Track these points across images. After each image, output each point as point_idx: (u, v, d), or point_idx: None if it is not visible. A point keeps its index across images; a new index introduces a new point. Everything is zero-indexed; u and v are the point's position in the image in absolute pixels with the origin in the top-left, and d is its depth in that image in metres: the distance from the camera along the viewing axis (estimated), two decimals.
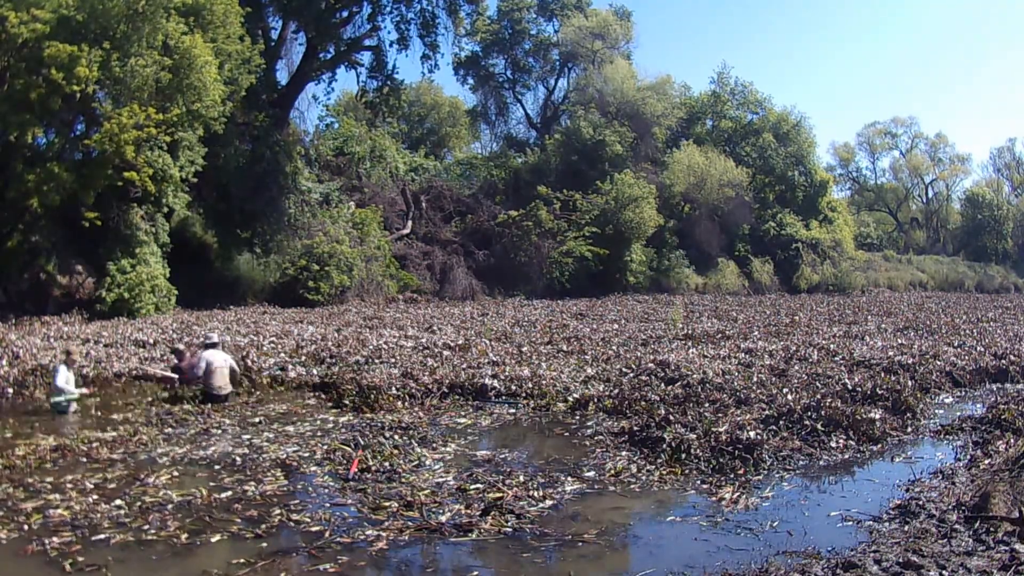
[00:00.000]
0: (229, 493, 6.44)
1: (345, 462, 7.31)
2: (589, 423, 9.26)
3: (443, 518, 5.82)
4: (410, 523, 5.72)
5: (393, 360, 13.00)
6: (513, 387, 10.84)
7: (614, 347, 15.11)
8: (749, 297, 38.46)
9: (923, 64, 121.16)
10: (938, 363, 12.73)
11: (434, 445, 8.07)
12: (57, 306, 18.95)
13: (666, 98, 44.53)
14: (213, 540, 5.43)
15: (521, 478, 6.84)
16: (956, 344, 15.54)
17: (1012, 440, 7.94)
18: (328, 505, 6.21)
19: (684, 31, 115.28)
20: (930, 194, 69.42)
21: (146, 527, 5.61)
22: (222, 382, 10.36)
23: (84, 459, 7.45)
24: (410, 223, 33.88)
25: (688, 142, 44.67)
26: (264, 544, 5.37)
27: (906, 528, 5.65)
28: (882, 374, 11.20)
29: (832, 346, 14.53)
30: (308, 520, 5.81)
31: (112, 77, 17.50)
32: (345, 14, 29.29)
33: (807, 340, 15.80)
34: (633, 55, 47.89)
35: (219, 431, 8.73)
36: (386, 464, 7.21)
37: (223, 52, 20.09)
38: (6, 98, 16.58)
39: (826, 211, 50.69)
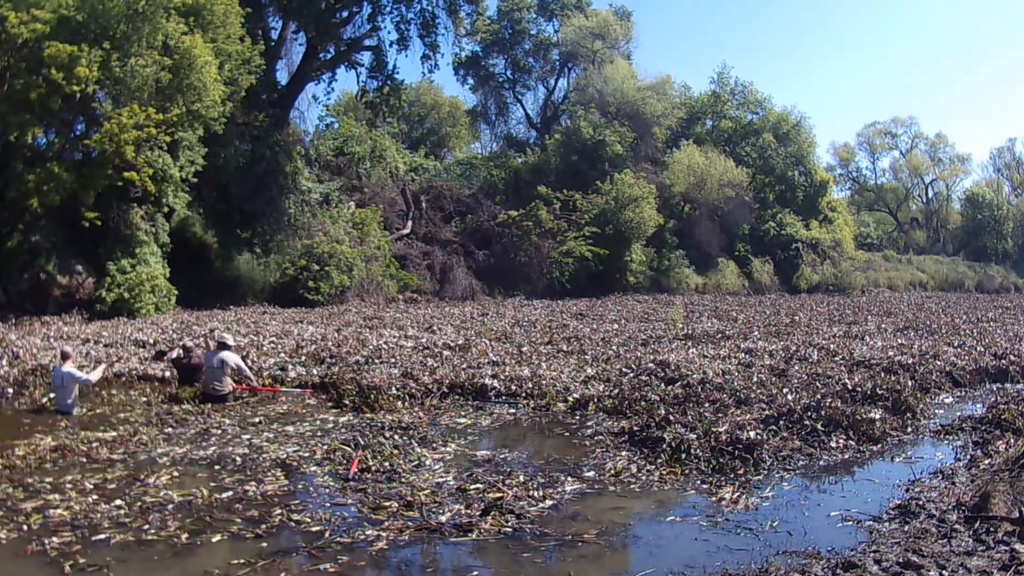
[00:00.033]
0: (229, 493, 6.44)
1: (345, 462, 7.32)
2: (589, 423, 9.26)
3: (443, 518, 5.82)
4: (410, 523, 5.72)
5: (393, 360, 13.00)
6: (513, 387, 10.84)
7: (614, 347, 15.11)
8: (749, 297, 38.46)
9: (923, 64, 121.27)
10: (938, 363, 12.74)
11: (434, 445, 8.07)
12: (57, 306, 18.94)
13: (666, 98, 44.53)
14: (213, 540, 5.43)
15: (521, 478, 6.85)
16: (956, 344, 15.54)
17: (1012, 440, 7.94)
18: (328, 505, 6.21)
19: (684, 31, 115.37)
20: (930, 194, 69.46)
21: (146, 527, 5.61)
22: (212, 383, 10.33)
23: (84, 459, 7.45)
24: (410, 223, 33.87)
25: (688, 142, 44.67)
26: (264, 544, 5.38)
27: (906, 528, 5.65)
28: (882, 374, 11.21)
29: (832, 346, 14.53)
30: (308, 520, 5.82)
31: (112, 77, 17.49)
32: (345, 14, 29.28)
33: (807, 340, 15.80)
34: (633, 55, 47.96)
35: (219, 431, 8.73)
36: (386, 464, 7.21)
37: (223, 52, 20.08)
38: (6, 98, 16.57)
39: (826, 211, 50.69)
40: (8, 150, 17.46)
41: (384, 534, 5.52)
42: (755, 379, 10.77)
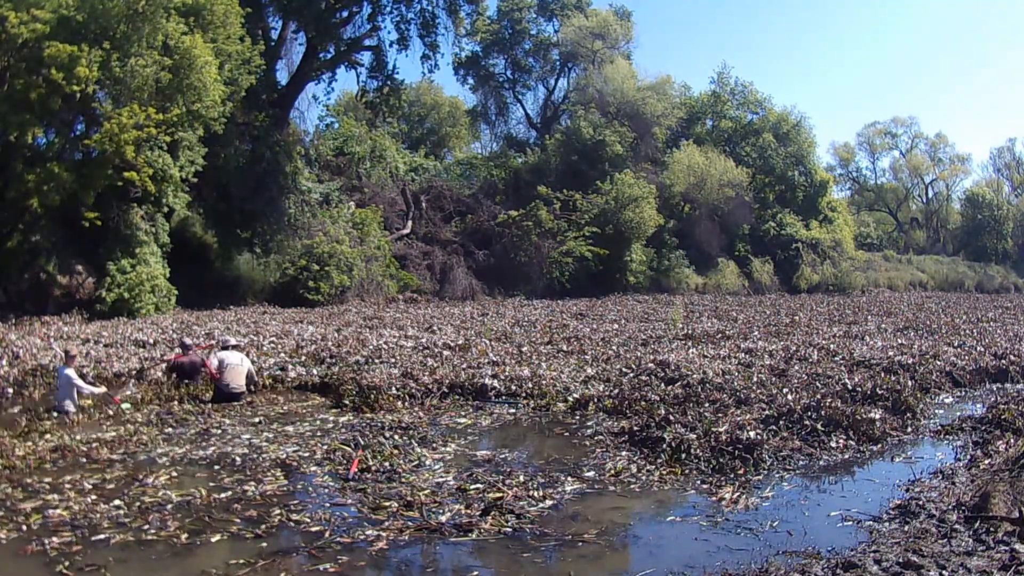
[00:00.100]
0: (229, 493, 6.44)
1: (345, 462, 7.31)
2: (589, 423, 9.25)
3: (443, 518, 5.81)
4: (410, 523, 5.72)
5: (393, 360, 13.00)
6: (513, 387, 10.84)
7: (614, 347, 15.11)
8: (749, 297, 38.46)
9: (923, 64, 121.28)
10: (938, 363, 12.73)
11: (434, 445, 8.07)
12: (57, 306, 18.95)
13: (666, 98, 44.54)
14: (213, 540, 5.43)
15: (521, 478, 6.84)
16: (956, 344, 15.54)
17: (1012, 440, 7.94)
18: (328, 505, 6.20)
19: (684, 31, 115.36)
20: (930, 194, 69.48)
21: (146, 527, 5.60)
22: (236, 381, 10.36)
23: (84, 459, 7.45)
24: (410, 223, 33.88)
25: (688, 142, 44.67)
26: (264, 544, 5.37)
27: (906, 528, 5.65)
28: (882, 374, 11.20)
29: (832, 346, 14.53)
30: (308, 520, 5.81)
31: (112, 77, 17.50)
32: (345, 14, 29.30)
33: (807, 340, 15.80)
34: (633, 55, 47.98)
35: (219, 431, 8.73)
36: (386, 464, 7.21)
37: (223, 52, 20.10)
38: (6, 98, 16.58)
39: (826, 211, 50.70)
40: (8, 150, 17.47)
41: (384, 534, 5.52)
42: (755, 379, 10.77)
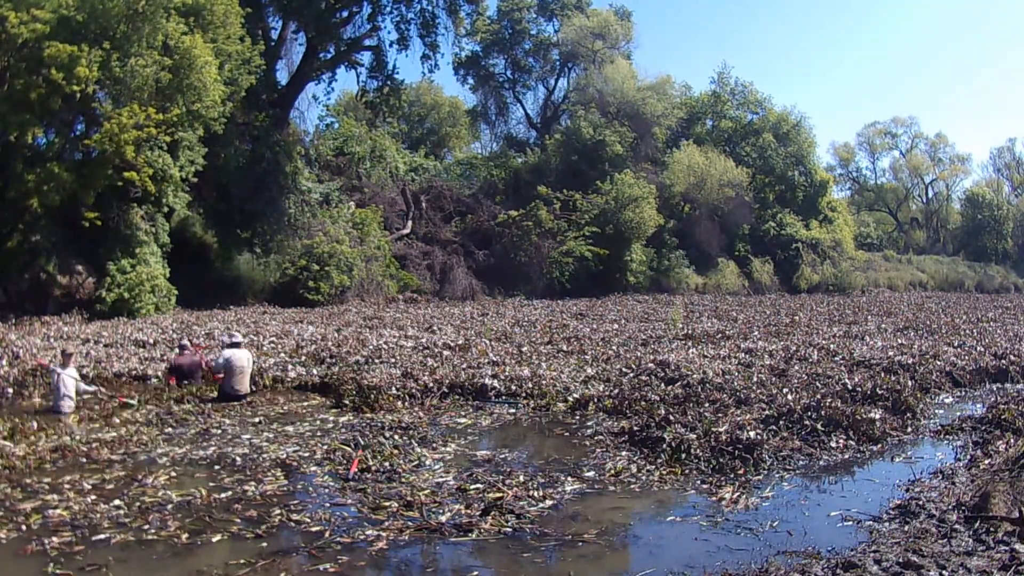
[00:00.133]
0: (229, 493, 6.44)
1: (345, 462, 7.31)
2: (589, 423, 9.26)
3: (443, 518, 5.81)
4: (410, 523, 5.72)
5: (393, 360, 13.00)
6: (513, 387, 10.84)
7: (614, 347, 15.11)
8: (749, 297, 38.47)
9: (923, 64, 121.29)
10: (938, 363, 12.73)
11: (434, 445, 8.07)
12: (57, 306, 18.95)
13: (666, 98, 44.55)
14: (213, 540, 5.43)
15: (521, 478, 6.84)
16: (956, 344, 15.54)
17: (1012, 440, 7.94)
18: (328, 505, 6.20)
19: (684, 31, 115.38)
20: (930, 194, 69.49)
21: (146, 527, 5.61)
22: (242, 383, 10.35)
23: (84, 459, 7.45)
24: (410, 223, 33.88)
25: (688, 142, 44.67)
26: (264, 544, 5.37)
27: (906, 528, 5.65)
28: (882, 374, 11.20)
29: (832, 346, 14.53)
30: (308, 520, 5.81)
31: (112, 77, 17.50)
32: (345, 14, 29.30)
33: (807, 340, 15.80)
34: (633, 55, 47.98)
35: (219, 431, 8.73)
36: (386, 464, 7.21)
37: (223, 52, 20.09)
38: (6, 98, 16.58)
39: (826, 211, 50.71)
40: (8, 150, 17.47)
41: (384, 534, 5.52)
42: (755, 379, 10.77)
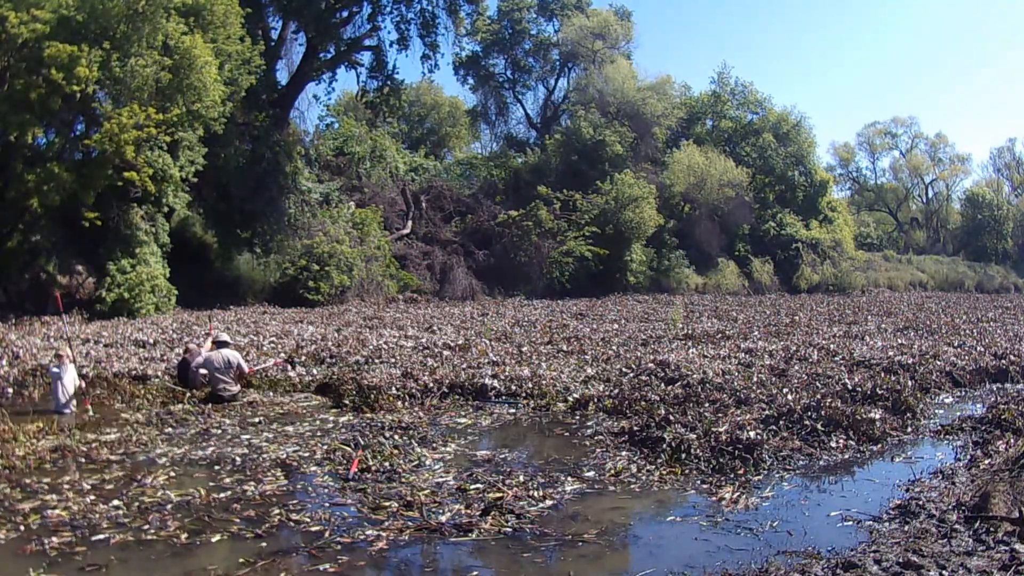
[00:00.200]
0: (229, 493, 6.43)
1: (345, 462, 7.31)
2: (589, 423, 9.25)
3: (443, 518, 5.81)
4: (410, 523, 5.72)
5: (393, 360, 13.00)
6: (513, 387, 10.83)
7: (614, 347, 15.11)
8: (749, 297, 38.47)
9: (923, 64, 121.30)
10: (938, 363, 12.72)
11: (434, 445, 8.07)
12: (57, 306, 18.93)
13: (666, 98, 44.56)
14: (213, 540, 5.42)
15: (521, 478, 6.84)
16: (956, 344, 15.53)
17: (1012, 440, 7.93)
18: (328, 505, 6.20)
19: (684, 31, 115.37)
20: (930, 194, 69.49)
21: (146, 527, 5.60)
22: (219, 384, 10.31)
23: (83, 459, 7.44)
24: (410, 223, 33.88)
25: (688, 142, 44.68)
26: (264, 544, 5.37)
27: (906, 528, 5.65)
28: (882, 374, 11.20)
29: (832, 346, 14.53)
30: (308, 520, 5.81)
31: (112, 77, 17.51)
32: (345, 14, 29.31)
33: (807, 340, 15.80)
34: (633, 55, 47.99)
35: (219, 431, 8.72)
36: (386, 464, 7.20)
37: (223, 52, 20.10)
38: (6, 98, 16.58)
39: (826, 211, 50.71)
40: (8, 150, 17.48)
41: (384, 534, 5.52)
42: (755, 379, 10.76)
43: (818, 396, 9.24)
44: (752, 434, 7.79)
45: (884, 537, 5.49)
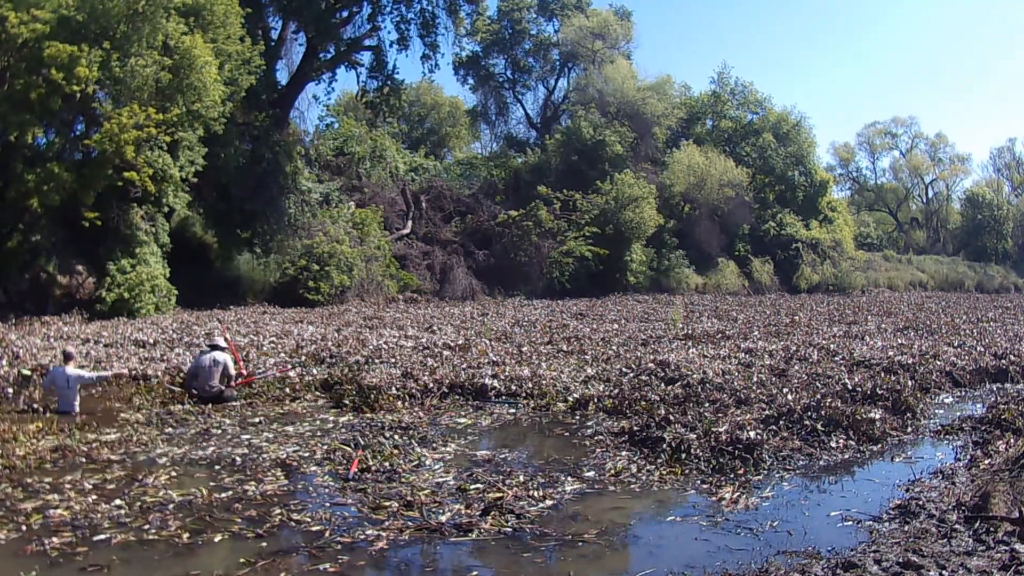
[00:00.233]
0: (229, 493, 6.44)
1: (345, 462, 7.32)
2: (589, 423, 9.26)
3: (443, 518, 5.82)
4: (410, 523, 5.72)
5: (393, 360, 13.00)
6: (513, 387, 10.84)
7: (614, 347, 15.11)
8: (749, 297, 38.47)
9: (923, 64, 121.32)
10: (938, 363, 12.74)
11: (434, 445, 8.07)
12: (57, 306, 18.95)
13: (666, 98, 44.54)
14: (214, 540, 5.43)
15: (521, 478, 6.85)
16: (956, 344, 15.54)
17: (1012, 440, 7.94)
18: (328, 505, 6.21)
19: (684, 31, 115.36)
20: (930, 194, 69.49)
21: (147, 527, 5.60)
22: (202, 386, 10.30)
23: (84, 459, 7.44)
24: (410, 223, 33.87)
25: (688, 142, 44.67)
26: (264, 544, 5.37)
27: (906, 528, 5.65)
28: (882, 374, 11.21)
29: (832, 346, 14.54)
30: (308, 520, 5.82)
31: (112, 77, 17.50)
32: (345, 14, 29.29)
33: (807, 340, 15.81)
34: (633, 55, 47.96)
35: (219, 431, 8.73)
36: (386, 464, 7.21)
37: (223, 52, 20.09)
38: (6, 98, 16.57)
39: (826, 211, 50.71)
40: (8, 150, 17.47)
41: (384, 534, 5.52)
42: (755, 379, 10.77)
43: (818, 396, 9.25)
44: (752, 434, 7.79)
45: (884, 537, 5.49)
